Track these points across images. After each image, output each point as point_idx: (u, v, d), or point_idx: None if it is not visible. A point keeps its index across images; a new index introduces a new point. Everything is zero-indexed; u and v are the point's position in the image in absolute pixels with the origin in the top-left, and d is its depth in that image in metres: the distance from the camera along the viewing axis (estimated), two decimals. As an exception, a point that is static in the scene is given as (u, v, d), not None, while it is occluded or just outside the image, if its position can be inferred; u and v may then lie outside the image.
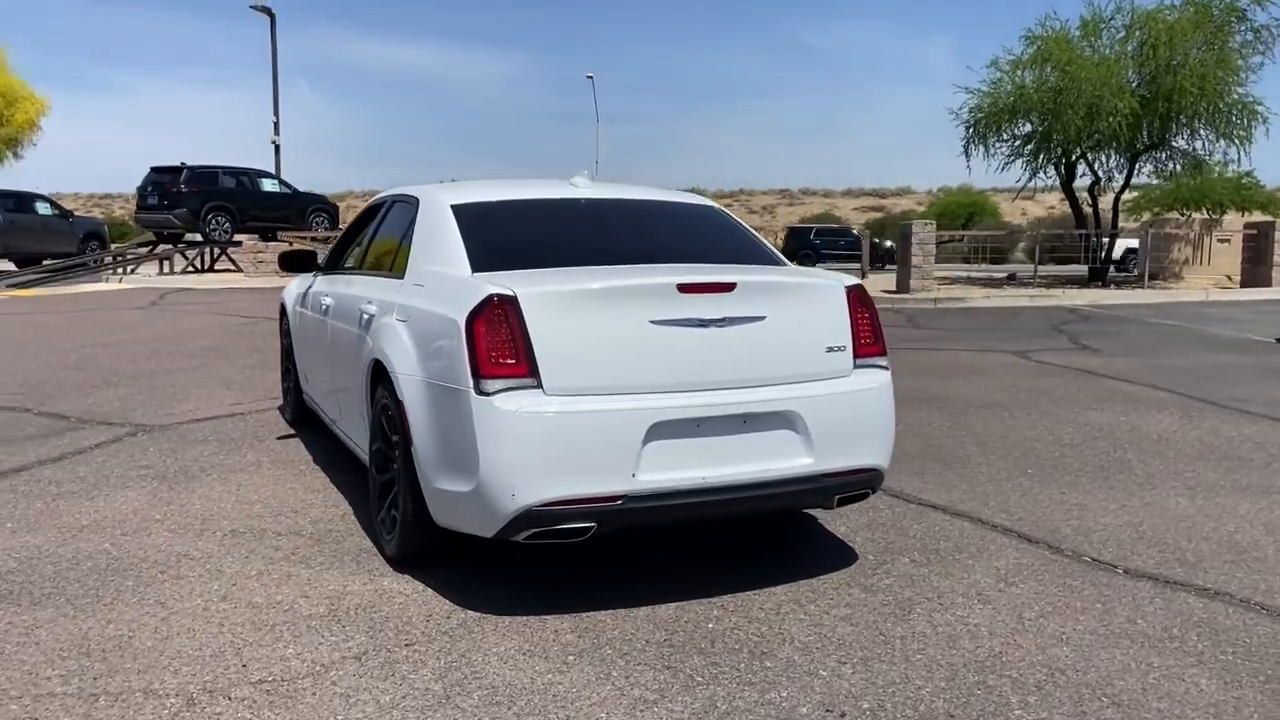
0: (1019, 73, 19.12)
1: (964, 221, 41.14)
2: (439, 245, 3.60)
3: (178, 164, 20.26)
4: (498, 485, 2.87)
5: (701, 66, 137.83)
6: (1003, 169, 22.35)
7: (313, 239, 21.09)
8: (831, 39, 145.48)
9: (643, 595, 3.18)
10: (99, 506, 4.14)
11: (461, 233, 3.55)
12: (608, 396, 2.96)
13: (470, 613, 3.03)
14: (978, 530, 3.91)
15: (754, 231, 4.18)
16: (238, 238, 21.29)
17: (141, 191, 20.73)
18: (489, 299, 2.95)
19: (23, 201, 21.16)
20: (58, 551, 3.58)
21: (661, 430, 2.98)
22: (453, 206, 3.72)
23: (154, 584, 3.26)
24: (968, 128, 19.84)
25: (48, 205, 21.75)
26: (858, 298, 3.47)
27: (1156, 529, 3.92)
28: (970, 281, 20.10)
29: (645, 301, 3.06)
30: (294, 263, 5.24)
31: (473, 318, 2.94)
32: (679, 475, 3.00)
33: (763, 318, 3.21)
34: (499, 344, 2.92)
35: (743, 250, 3.94)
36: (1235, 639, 2.89)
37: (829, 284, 3.48)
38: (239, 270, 21.21)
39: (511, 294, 2.96)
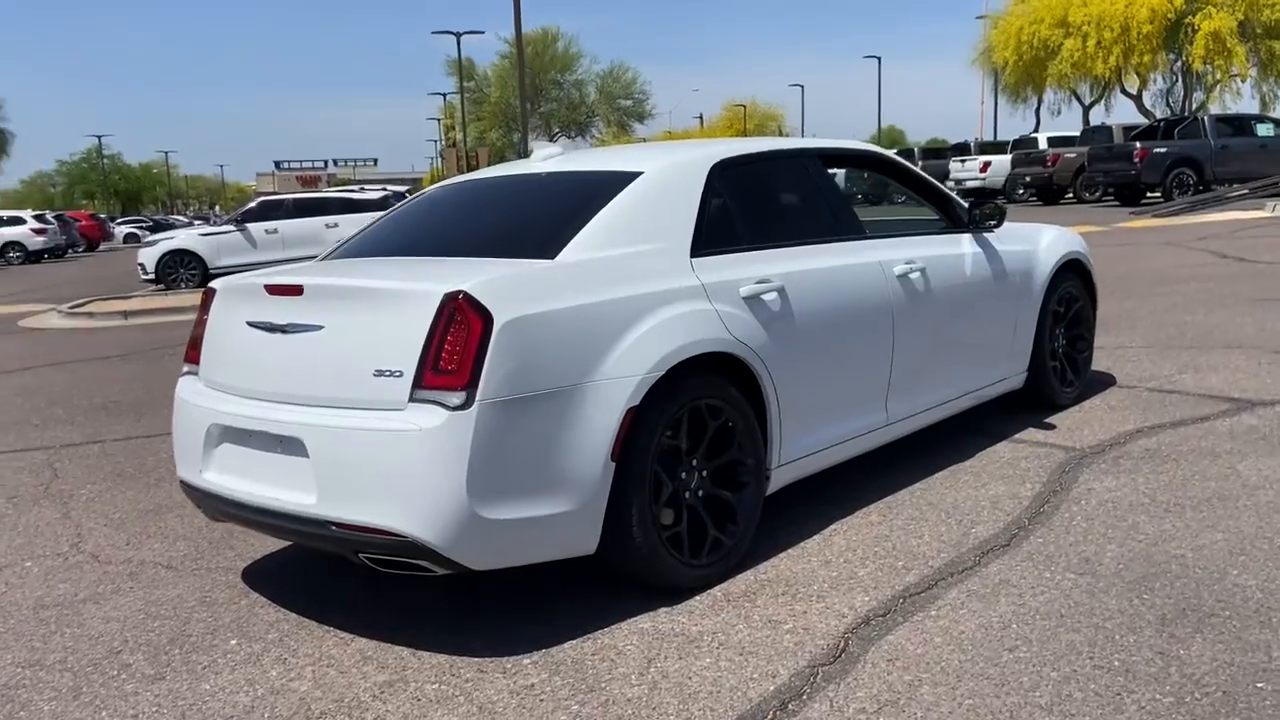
0: None
1: None
2: None
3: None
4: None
5: None
6: None
7: None
8: None
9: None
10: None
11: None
12: (217, 393, 3.17)
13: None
14: None
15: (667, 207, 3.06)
16: None
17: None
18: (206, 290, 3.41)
19: (1242, 124, 20.84)
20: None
21: (226, 434, 3.08)
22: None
23: None
24: None
25: (1271, 126, 20.78)
26: (462, 312, 2.61)
27: None
28: None
29: (246, 301, 3.14)
30: None
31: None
32: (227, 484, 3.05)
33: (320, 328, 2.87)
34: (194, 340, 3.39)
35: (546, 236, 3.08)
36: None
37: (417, 292, 2.71)
38: None
39: (211, 289, 3.44)
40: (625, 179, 3.33)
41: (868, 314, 3.77)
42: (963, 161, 29.66)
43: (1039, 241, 4.93)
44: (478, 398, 2.62)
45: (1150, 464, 4.09)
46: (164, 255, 17.28)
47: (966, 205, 4.52)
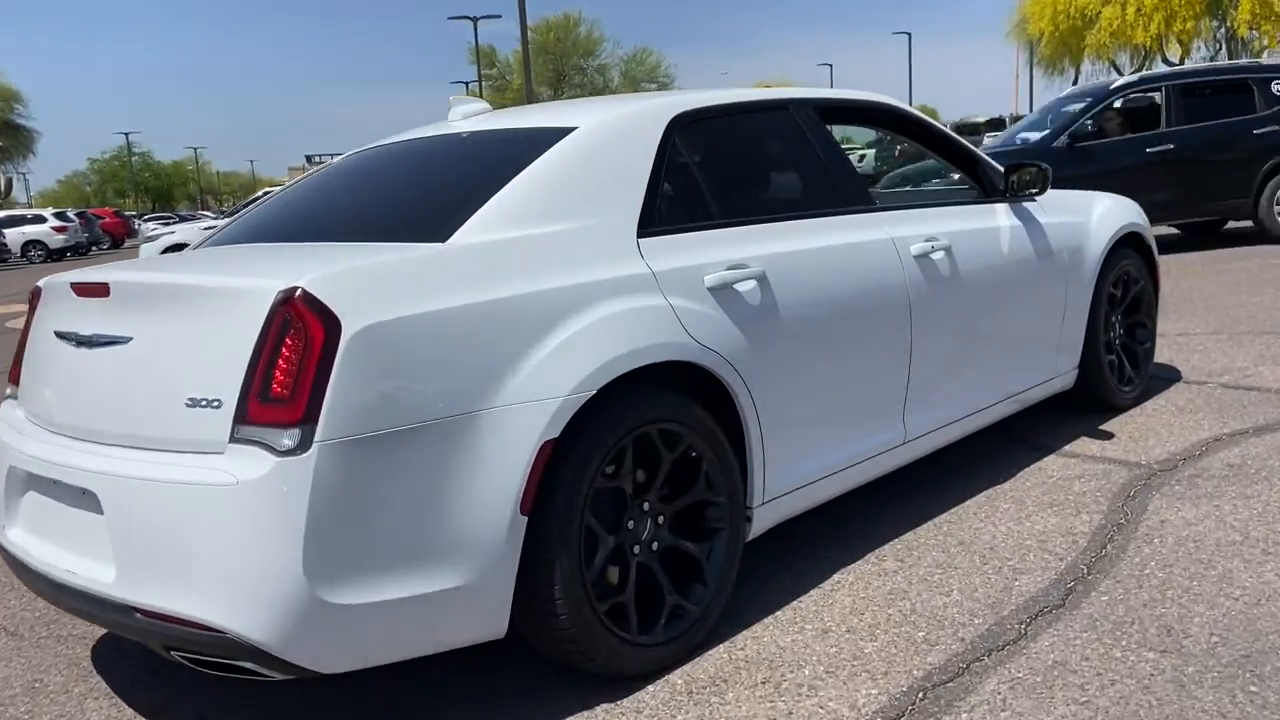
0: None
1: None
2: None
3: None
4: None
5: None
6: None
7: None
8: None
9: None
10: None
11: None
12: (31, 425, 2.34)
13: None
14: None
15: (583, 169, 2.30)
16: None
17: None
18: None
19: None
20: None
21: (30, 482, 2.35)
22: None
23: None
24: None
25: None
26: (299, 317, 1.89)
27: None
28: None
29: (56, 304, 2.42)
30: None
31: None
32: (30, 547, 2.29)
33: (128, 340, 2.14)
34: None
35: (440, 213, 2.34)
36: None
37: (245, 289, 1.98)
38: None
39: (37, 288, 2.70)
40: (552, 136, 2.56)
41: (877, 305, 2.99)
42: (997, 136, 28.48)
43: (1090, 212, 4.11)
44: (318, 437, 1.88)
45: (1237, 485, 3.27)
46: (165, 250, 16.81)
47: (1002, 170, 3.70)
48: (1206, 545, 2.84)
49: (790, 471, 2.79)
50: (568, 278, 2.27)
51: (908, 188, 5.07)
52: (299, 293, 1.93)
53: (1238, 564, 2.71)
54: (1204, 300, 6.59)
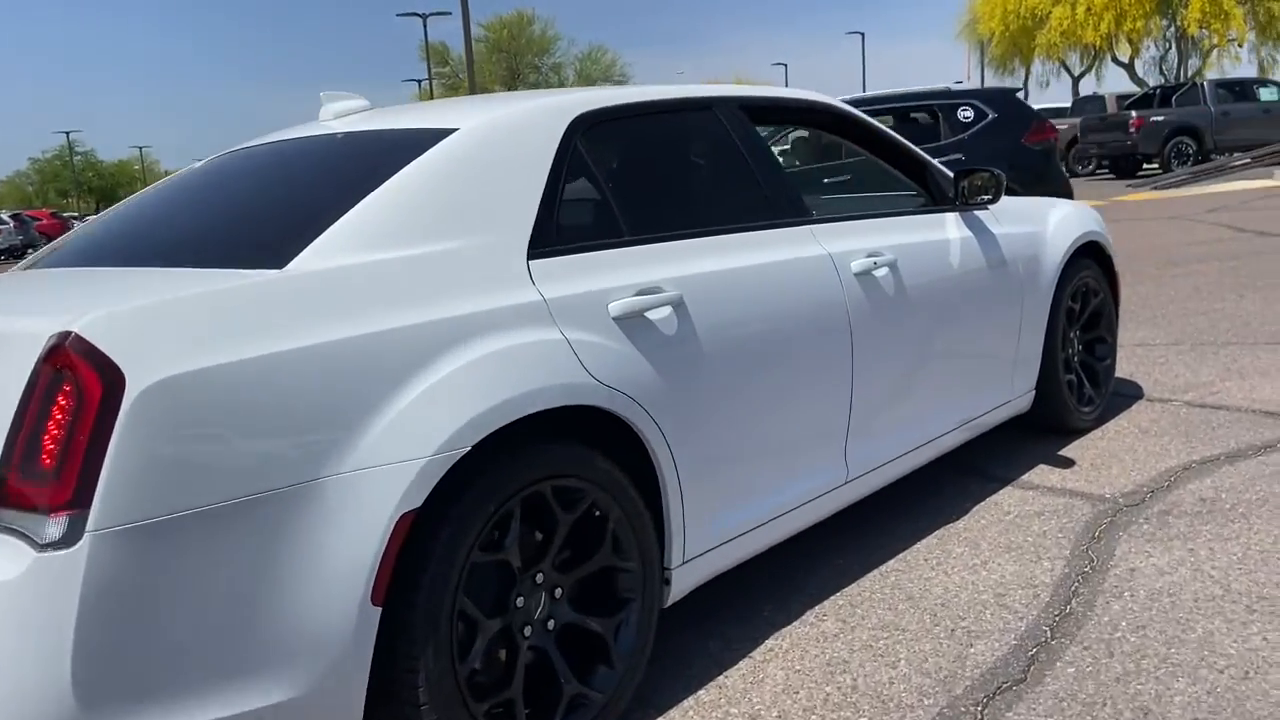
0: None
1: None
2: None
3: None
4: None
5: None
6: None
7: None
8: None
9: None
10: None
11: None
12: None
13: None
14: None
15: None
16: None
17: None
18: None
19: (1244, 89, 19.78)
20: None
21: None
22: None
23: None
24: None
25: (1275, 90, 19.69)
26: (71, 368, 1.48)
27: None
28: None
29: None
30: None
31: None
32: None
33: None
34: None
35: (282, 232, 1.95)
36: None
37: (17, 333, 1.58)
38: None
39: None
40: (427, 140, 2.17)
41: (814, 330, 2.64)
42: (950, 137, 28.45)
43: (1047, 220, 3.80)
44: (90, 524, 1.48)
45: (1212, 524, 2.97)
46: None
47: (952, 175, 3.38)
48: (1183, 601, 2.53)
49: (716, 523, 2.43)
50: (437, 310, 1.89)
51: (847, 196, 4.74)
52: (71, 339, 1.52)
53: (1219, 625, 2.39)
54: (1162, 307, 6.36)
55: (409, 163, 2.07)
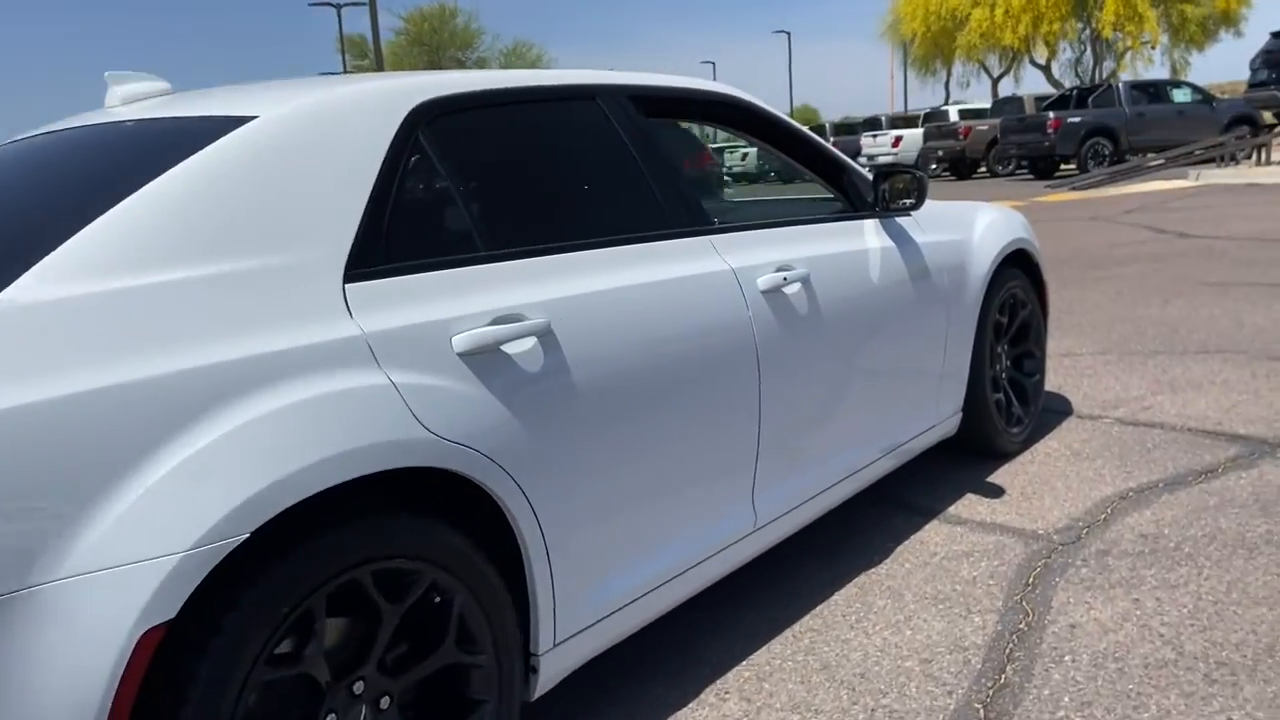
0: None
1: None
2: None
3: (1304, 20, 16.11)
4: None
5: None
6: None
7: None
8: None
9: None
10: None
11: None
12: None
13: None
14: None
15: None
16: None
17: (1251, 65, 17.25)
18: None
19: (1158, 90, 20.10)
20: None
21: None
22: None
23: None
24: None
25: (1188, 91, 20.04)
26: None
27: None
28: None
29: None
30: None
31: None
32: None
33: None
34: None
35: (9, 248, 1.49)
36: None
37: None
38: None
39: None
40: (215, 131, 1.73)
41: (713, 358, 2.26)
42: (875, 136, 28.54)
43: (973, 227, 3.49)
44: None
45: (1156, 568, 2.67)
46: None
47: (871, 178, 3.03)
48: (1132, 667, 2.21)
49: (596, 594, 2.03)
50: (205, 353, 1.45)
51: (754, 201, 4.39)
52: None
53: (1176, 700, 2.07)
54: (1087, 313, 6.16)
55: (184, 160, 1.63)
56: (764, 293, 2.44)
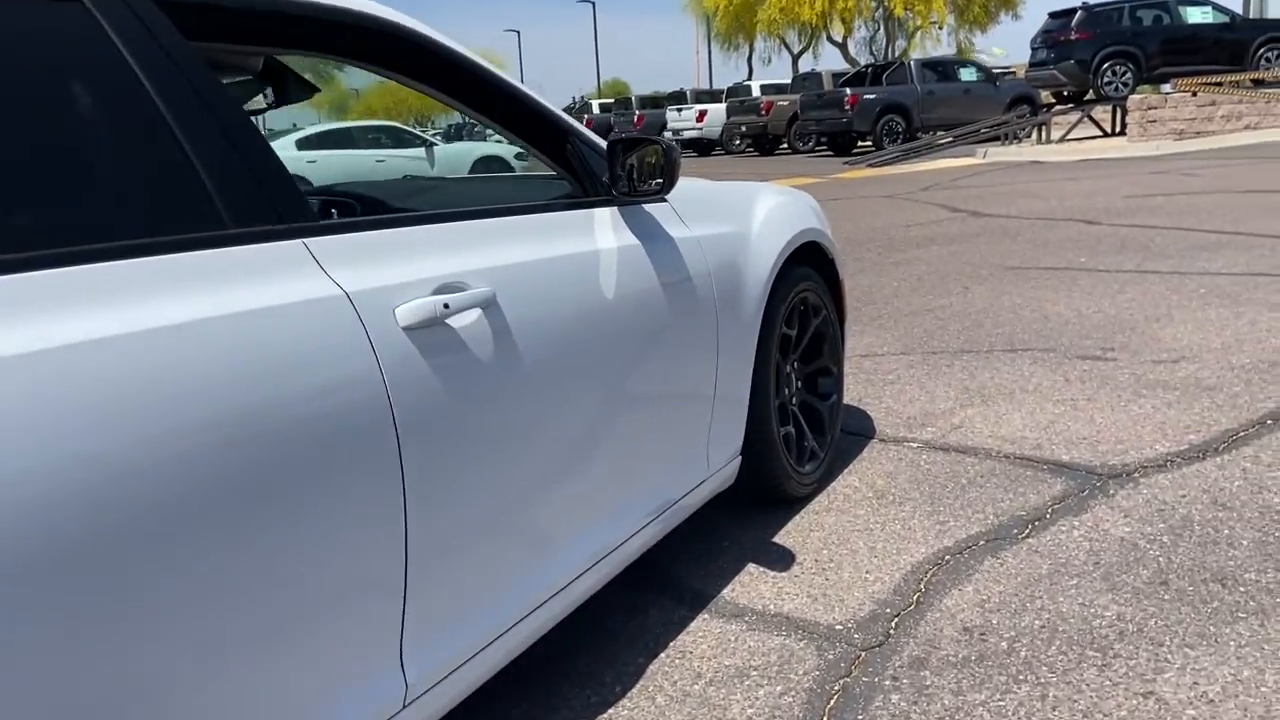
0: None
1: None
2: None
3: (1079, 4, 16.65)
4: None
5: None
6: None
7: (1257, 83, 15.36)
8: None
9: None
10: None
11: None
12: None
13: None
14: None
15: None
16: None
17: (1032, 44, 17.83)
18: None
19: (946, 69, 20.58)
20: None
21: None
22: None
23: None
24: None
25: (974, 70, 20.60)
26: None
27: None
28: None
29: None
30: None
31: None
32: None
33: None
34: None
35: None
36: None
37: None
38: (1115, 135, 16.84)
39: None
40: None
41: (297, 452, 1.32)
42: (679, 110, 28.18)
43: (750, 215, 2.69)
44: None
45: (986, 689, 1.95)
46: None
47: (604, 147, 2.15)
48: None
49: None
50: None
51: (408, 180, 3.47)
52: None
53: None
54: (886, 303, 5.61)
55: None
56: (408, 330, 1.51)
